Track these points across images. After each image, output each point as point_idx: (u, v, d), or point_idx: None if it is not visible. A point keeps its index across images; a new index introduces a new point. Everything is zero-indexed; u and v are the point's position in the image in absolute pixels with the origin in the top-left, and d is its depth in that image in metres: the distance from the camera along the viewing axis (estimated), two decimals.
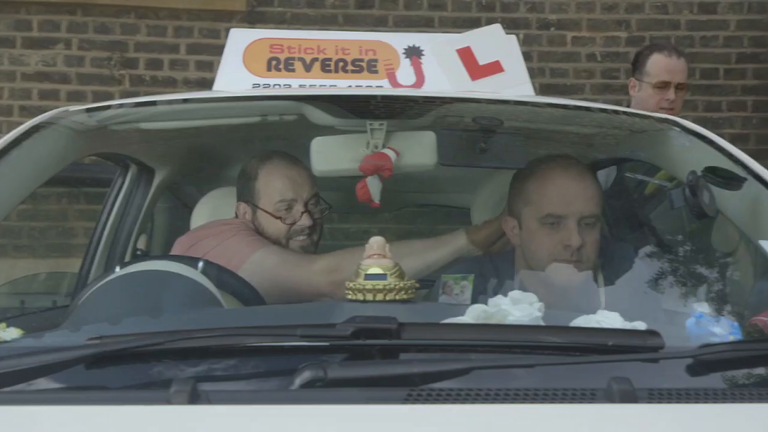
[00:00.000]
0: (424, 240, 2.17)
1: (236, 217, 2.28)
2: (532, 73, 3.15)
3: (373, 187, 2.01)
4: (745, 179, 1.78)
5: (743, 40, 4.78)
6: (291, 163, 2.24)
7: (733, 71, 4.77)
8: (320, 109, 2.06)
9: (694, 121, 2.31)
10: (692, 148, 2.00)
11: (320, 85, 2.41)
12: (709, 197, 1.74)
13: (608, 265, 1.96)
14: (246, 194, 2.26)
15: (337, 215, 4.22)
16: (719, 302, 1.76)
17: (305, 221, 2.21)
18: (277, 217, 2.20)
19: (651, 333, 1.22)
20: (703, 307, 1.39)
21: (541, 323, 1.35)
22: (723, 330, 1.34)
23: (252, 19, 4.61)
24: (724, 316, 1.50)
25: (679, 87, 3.43)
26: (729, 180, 1.77)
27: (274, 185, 2.22)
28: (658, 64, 3.44)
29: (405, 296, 1.53)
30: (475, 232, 2.15)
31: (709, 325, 1.35)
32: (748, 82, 4.79)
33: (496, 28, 2.61)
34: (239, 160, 2.68)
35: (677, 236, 2.09)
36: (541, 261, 1.94)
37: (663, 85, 3.42)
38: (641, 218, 2.68)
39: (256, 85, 2.38)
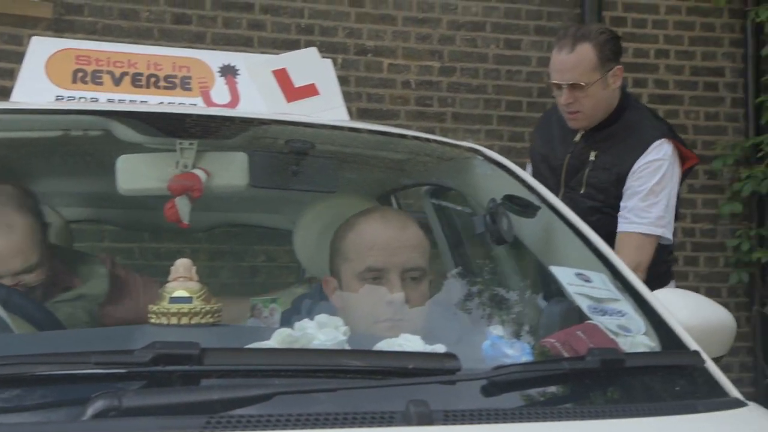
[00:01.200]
0: None
1: None
2: (350, 98, 3.21)
3: (182, 207, 1.96)
4: (539, 207, 1.90)
5: (543, 76, 5.09)
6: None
7: (535, 104, 5.05)
8: (128, 125, 1.99)
9: (499, 150, 2.43)
10: (494, 177, 2.10)
11: (130, 101, 2.33)
12: (507, 224, 1.83)
13: None
14: None
15: (148, 235, 4.09)
16: (514, 325, 1.85)
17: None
18: None
19: (448, 356, 1.27)
20: (498, 330, 1.46)
21: (346, 347, 1.37)
22: (516, 352, 1.41)
23: (59, 27, 4.39)
24: (518, 338, 1.58)
25: (574, 87, 2.74)
26: (525, 208, 1.88)
27: None
28: (551, 61, 2.88)
29: (211, 320, 1.50)
30: None
31: (503, 347, 1.42)
32: None
33: (312, 51, 2.64)
34: (39, 177, 2.54)
35: (477, 261, 2.18)
36: (362, 321, 1.73)
37: (556, 87, 2.81)
38: (445, 243, 2.77)
39: (59, 98, 2.27)
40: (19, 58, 4.16)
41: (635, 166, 2.73)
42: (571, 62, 2.75)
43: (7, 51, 4.33)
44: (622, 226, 2.71)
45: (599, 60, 2.75)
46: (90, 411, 1.08)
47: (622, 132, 2.80)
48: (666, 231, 2.74)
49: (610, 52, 2.80)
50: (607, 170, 2.77)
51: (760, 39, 5.13)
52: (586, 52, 2.75)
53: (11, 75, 4.23)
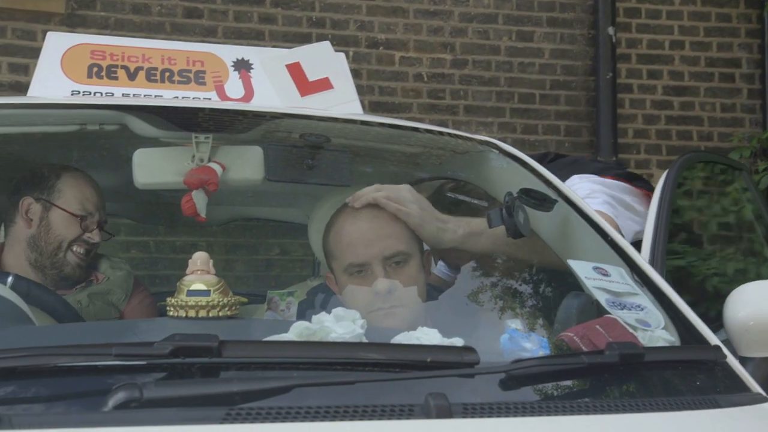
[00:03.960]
0: None
1: (17, 213, 2.13)
2: (362, 91, 3.20)
3: (199, 201, 1.96)
4: (556, 201, 1.89)
5: (556, 68, 5.07)
6: (93, 182, 2.21)
7: (548, 97, 5.04)
8: (143, 119, 1.99)
9: (512, 143, 2.42)
10: (509, 170, 2.09)
11: (145, 95, 2.34)
12: (524, 217, 1.82)
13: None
14: (38, 189, 2.13)
15: (163, 228, 4.11)
16: (532, 319, 1.84)
17: (95, 237, 2.16)
18: (78, 216, 2.12)
19: (467, 349, 1.27)
20: (516, 324, 1.45)
21: (364, 340, 1.37)
22: (533, 345, 1.41)
23: (72, 22, 4.40)
24: (536, 332, 1.58)
25: None
26: (542, 201, 1.87)
27: (80, 189, 2.16)
28: None
29: (229, 312, 1.51)
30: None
31: (521, 340, 1.42)
32: (560, 108, 5.08)
33: (326, 45, 2.64)
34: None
35: (494, 255, 2.17)
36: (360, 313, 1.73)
37: None
38: None
39: (75, 92, 2.28)
40: (33, 53, 4.19)
41: None
42: None
43: (21, 46, 4.35)
44: None
45: None
46: (111, 402, 1.09)
47: None
48: None
49: None
50: None
51: None
52: None
53: (26, 70, 4.25)
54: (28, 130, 2.12)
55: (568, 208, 1.89)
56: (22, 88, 4.21)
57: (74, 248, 2.12)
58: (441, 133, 2.31)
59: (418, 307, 1.79)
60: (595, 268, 1.64)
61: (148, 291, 2.39)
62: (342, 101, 2.50)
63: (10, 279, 1.82)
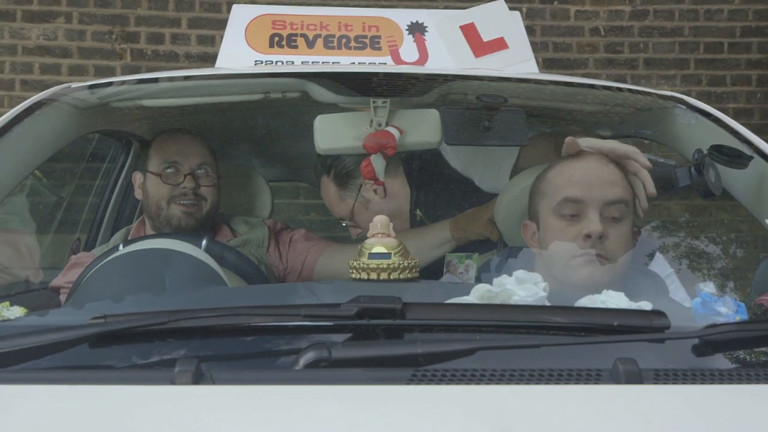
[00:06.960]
0: (412, 230, 2.18)
1: (135, 188, 2.34)
2: (535, 48, 3.13)
3: (378, 165, 1.99)
4: (751, 157, 1.77)
5: (748, 14, 4.75)
6: (183, 133, 2.31)
7: (738, 45, 4.73)
8: (323, 86, 2.04)
9: (697, 96, 2.29)
10: (698, 126, 1.98)
11: (323, 62, 2.40)
12: (714, 176, 1.73)
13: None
14: (141, 163, 2.35)
15: None
16: (726, 282, 1.75)
17: (188, 183, 2.21)
18: (163, 181, 2.22)
19: (656, 313, 1.22)
20: (709, 287, 1.38)
21: (546, 303, 1.35)
22: (728, 310, 1.33)
23: None
24: (730, 296, 1.49)
25: None
26: (735, 158, 1.76)
27: (163, 149, 2.27)
28: None
29: (409, 275, 1.52)
30: (455, 225, 2.13)
31: (714, 305, 1.35)
32: (752, 56, 4.76)
33: (500, 4, 2.60)
34: (241, 138, 2.67)
35: (682, 215, 2.07)
36: (558, 261, 1.69)
37: None
38: None
39: (258, 62, 2.37)
40: (218, 24, 4.39)
41: None
42: None
43: (208, 18, 4.57)
44: None
45: None
46: (302, 361, 1.12)
47: None
48: None
49: None
50: None
51: None
52: None
53: (212, 41, 4.46)
54: (217, 100, 2.23)
55: (765, 165, 1.77)
56: (209, 59, 4.43)
57: (173, 204, 2.22)
58: (620, 89, 2.22)
59: (619, 270, 1.67)
60: None
61: (288, 229, 2.43)
62: (517, 61, 2.46)
63: (204, 242, 1.92)
